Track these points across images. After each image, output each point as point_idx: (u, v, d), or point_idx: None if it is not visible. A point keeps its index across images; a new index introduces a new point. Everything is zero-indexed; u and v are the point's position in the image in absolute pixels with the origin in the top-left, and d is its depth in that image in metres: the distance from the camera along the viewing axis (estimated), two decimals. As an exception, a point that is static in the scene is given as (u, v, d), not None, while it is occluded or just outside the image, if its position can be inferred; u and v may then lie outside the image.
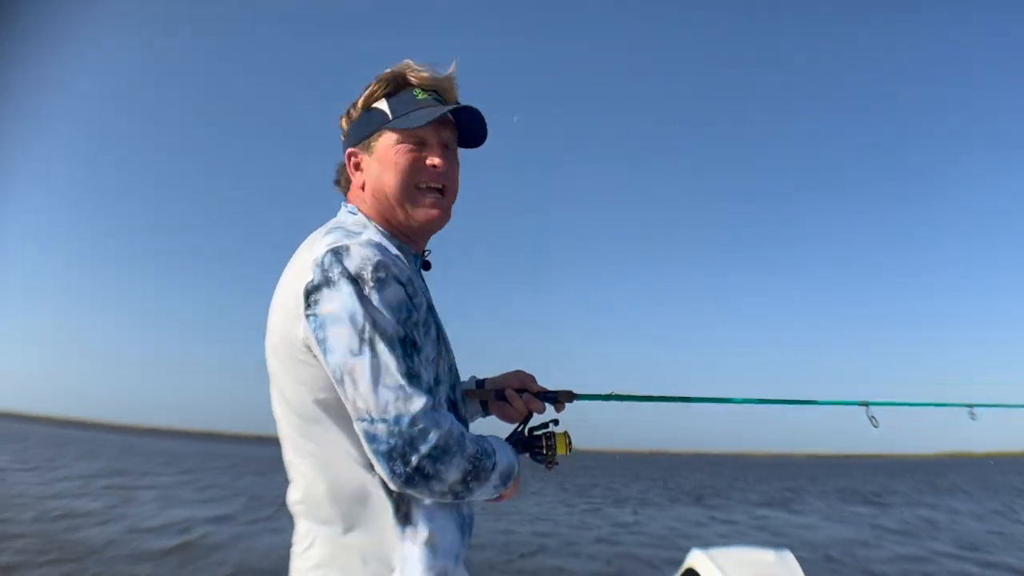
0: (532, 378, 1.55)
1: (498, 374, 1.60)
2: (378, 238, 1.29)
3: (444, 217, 1.38)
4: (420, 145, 1.35)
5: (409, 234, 1.39)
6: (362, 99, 1.39)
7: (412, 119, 1.33)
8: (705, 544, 3.92)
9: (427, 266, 1.44)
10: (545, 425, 1.44)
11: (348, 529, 1.22)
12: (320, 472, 1.24)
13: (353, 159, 1.41)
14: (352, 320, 1.14)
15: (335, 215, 1.42)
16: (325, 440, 1.23)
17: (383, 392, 1.12)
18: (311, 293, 1.18)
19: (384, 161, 1.35)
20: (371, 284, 1.16)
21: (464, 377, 1.63)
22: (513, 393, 1.50)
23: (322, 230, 1.32)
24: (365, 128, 1.38)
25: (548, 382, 1.55)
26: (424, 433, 1.11)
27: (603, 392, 1.54)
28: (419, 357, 1.19)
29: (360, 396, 1.13)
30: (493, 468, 1.22)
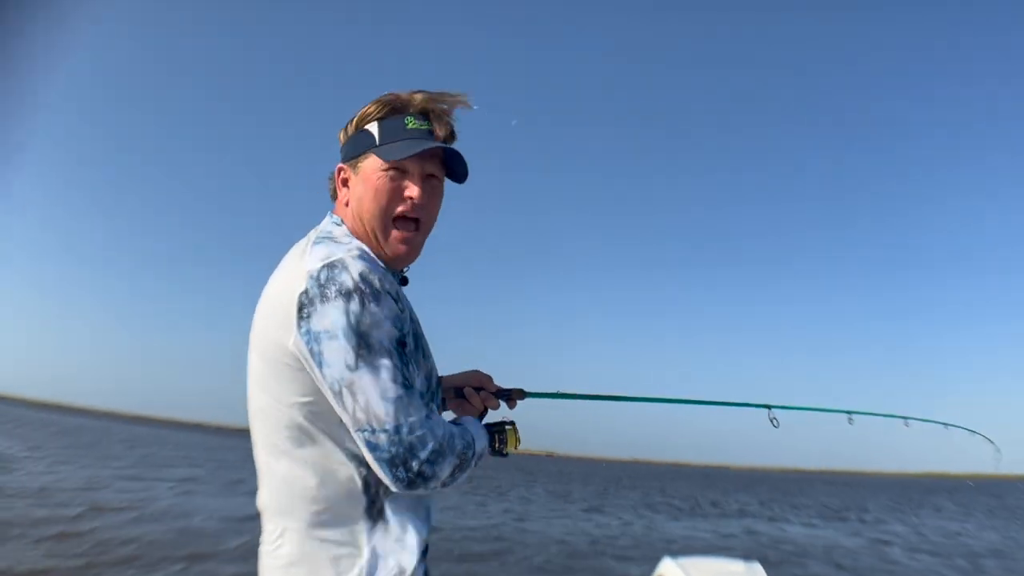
0: (489, 378, 1.62)
1: (457, 372, 1.64)
2: (366, 252, 1.32)
3: (412, 253, 1.40)
4: (402, 174, 1.37)
5: (383, 259, 1.39)
6: (356, 118, 1.41)
7: (394, 150, 1.35)
8: (676, 553, 3.94)
9: (404, 282, 1.48)
10: (501, 422, 1.54)
11: (320, 526, 1.26)
12: (296, 473, 1.27)
13: (342, 174, 1.43)
14: (347, 335, 1.18)
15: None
16: (306, 443, 1.26)
17: (382, 404, 1.17)
18: (304, 306, 1.20)
19: (366, 185, 1.37)
20: (367, 299, 1.20)
21: None
22: (471, 391, 1.57)
23: (310, 238, 1.35)
24: (354, 147, 1.40)
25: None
26: (423, 440, 1.19)
27: (551, 391, 1.66)
28: (412, 367, 1.24)
29: (360, 408, 1.18)
30: (474, 456, 1.31)
